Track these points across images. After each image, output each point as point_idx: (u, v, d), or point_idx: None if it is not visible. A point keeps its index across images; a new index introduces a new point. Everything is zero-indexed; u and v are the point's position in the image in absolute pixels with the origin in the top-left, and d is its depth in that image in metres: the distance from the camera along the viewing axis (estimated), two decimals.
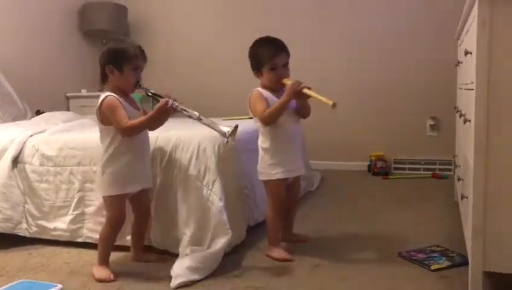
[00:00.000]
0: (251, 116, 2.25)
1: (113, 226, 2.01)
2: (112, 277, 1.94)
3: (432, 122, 4.12)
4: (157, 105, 1.93)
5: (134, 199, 2.10)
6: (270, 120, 2.10)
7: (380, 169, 4.06)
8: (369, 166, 4.19)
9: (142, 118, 1.96)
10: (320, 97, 2.00)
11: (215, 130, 1.96)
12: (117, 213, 2.00)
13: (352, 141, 4.30)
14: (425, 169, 4.09)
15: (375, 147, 4.21)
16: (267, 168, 2.15)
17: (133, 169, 2.00)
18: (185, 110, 1.95)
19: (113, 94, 1.96)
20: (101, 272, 1.96)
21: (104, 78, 2.02)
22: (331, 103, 1.95)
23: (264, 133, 2.17)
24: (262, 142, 2.17)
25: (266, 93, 2.15)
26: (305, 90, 2.03)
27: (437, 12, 4.01)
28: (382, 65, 4.20)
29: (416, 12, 4.08)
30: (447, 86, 3.76)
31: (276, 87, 2.15)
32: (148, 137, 2.10)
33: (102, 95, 1.98)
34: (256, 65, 2.17)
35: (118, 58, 1.97)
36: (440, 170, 4.03)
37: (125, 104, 1.97)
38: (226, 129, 1.94)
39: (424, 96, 4.11)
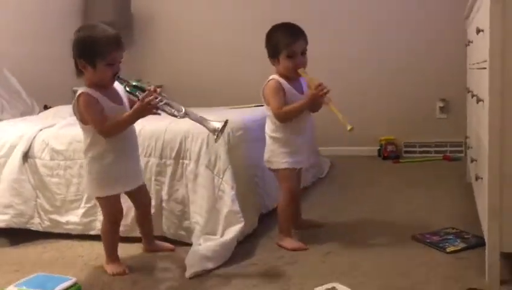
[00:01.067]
0: (260, 104, 2.23)
1: (111, 223, 1.97)
2: (126, 270, 1.93)
3: (441, 104, 4.07)
4: (136, 105, 1.77)
5: (130, 195, 2.06)
6: (285, 119, 2.07)
7: (390, 153, 4.03)
8: (379, 150, 4.16)
9: (120, 118, 1.80)
10: (339, 115, 1.98)
11: (204, 126, 1.84)
12: (111, 211, 1.96)
13: (361, 125, 4.20)
14: (436, 152, 4.05)
15: (385, 131, 4.17)
16: (277, 157, 2.13)
17: (118, 169, 1.89)
18: (168, 106, 1.80)
19: (88, 90, 1.81)
20: (115, 268, 1.94)
21: (79, 72, 1.86)
22: (348, 127, 1.98)
23: (275, 122, 2.12)
24: (273, 131, 2.13)
25: (283, 81, 2.09)
26: (327, 100, 2.00)
27: None
28: (390, 48, 4.14)
29: None
30: (456, 67, 3.71)
31: (292, 76, 2.10)
32: (134, 134, 1.99)
33: (78, 91, 1.83)
34: (273, 52, 2.10)
35: (89, 53, 1.78)
36: (451, 152, 3.99)
37: (103, 100, 1.82)
38: (216, 125, 1.82)
39: (433, 78, 4.05)
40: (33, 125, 2.60)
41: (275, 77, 2.10)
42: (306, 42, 2.10)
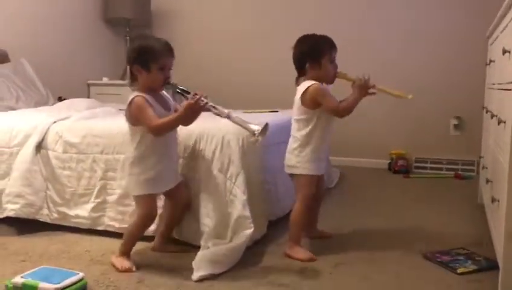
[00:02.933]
0: (274, 109, 2.21)
1: (143, 223, 2.01)
2: (134, 268, 1.94)
3: (455, 122, 4.04)
4: (185, 103, 1.87)
5: (170, 195, 2.09)
6: (346, 114, 2.11)
7: (400, 167, 4.00)
8: (389, 164, 4.13)
9: (170, 117, 1.90)
10: (395, 92, 2.13)
11: (245, 128, 1.92)
12: (147, 211, 1.99)
13: (373, 137, 4.24)
14: (447, 169, 4.02)
15: (397, 145, 4.15)
16: (302, 162, 2.12)
17: (159, 170, 1.96)
18: (214, 107, 1.90)
19: (141, 94, 1.92)
20: (124, 263, 1.95)
21: (133, 78, 1.98)
22: (410, 96, 2.13)
23: (311, 125, 2.11)
24: (305, 135, 2.12)
25: (325, 86, 2.14)
26: (379, 86, 2.09)
27: (465, 10, 3.91)
28: (406, 62, 4.12)
29: (443, 10, 3.99)
30: (473, 85, 3.70)
31: (329, 81, 2.16)
32: (175, 137, 2.08)
33: (131, 96, 1.94)
34: (316, 56, 2.11)
35: (144, 57, 1.92)
36: (462, 170, 3.95)
37: (153, 104, 1.93)
38: (256, 127, 1.89)
39: (449, 95, 4.03)
40: (47, 116, 2.60)
41: (313, 82, 2.11)
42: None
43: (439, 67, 4.03)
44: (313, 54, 2.11)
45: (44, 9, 3.95)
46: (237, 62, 4.62)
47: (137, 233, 2.03)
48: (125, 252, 2.00)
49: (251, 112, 3.17)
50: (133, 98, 1.92)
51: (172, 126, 1.94)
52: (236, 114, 2.97)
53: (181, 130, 2.21)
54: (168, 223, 2.16)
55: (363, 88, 2.09)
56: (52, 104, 3.36)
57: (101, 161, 2.33)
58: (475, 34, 3.53)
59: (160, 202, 2.15)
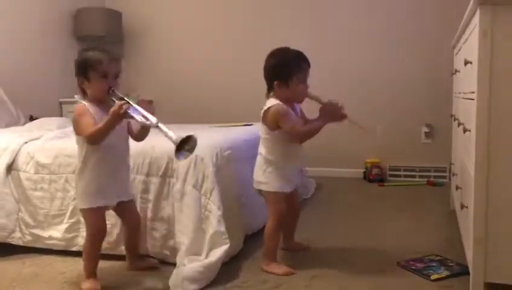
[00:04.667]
0: (249, 122, 2.22)
1: (92, 239, 1.95)
2: (98, 287, 1.90)
3: (426, 130, 4.13)
4: (111, 110, 1.81)
5: (119, 212, 2.07)
6: (305, 139, 2.10)
7: (375, 176, 4.06)
8: (364, 173, 4.19)
9: (99, 124, 1.85)
10: (362, 126, 2.09)
11: (168, 138, 1.75)
12: (94, 226, 1.95)
13: (348, 147, 4.29)
14: (420, 176, 4.09)
15: (371, 153, 4.21)
16: (269, 179, 2.11)
17: (102, 183, 1.93)
18: (143, 117, 1.80)
19: (83, 102, 1.92)
20: (88, 284, 1.91)
21: (83, 92, 1.96)
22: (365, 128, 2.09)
23: (272, 145, 2.11)
24: (268, 153, 2.12)
25: (288, 107, 2.08)
26: (349, 116, 2.05)
27: (432, 20, 4.03)
28: (377, 72, 4.20)
29: (411, 19, 4.10)
30: (442, 93, 3.79)
31: (298, 100, 2.12)
32: (124, 149, 2.03)
33: (76, 104, 1.95)
34: (285, 75, 2.05)
35: (83, 68, 1.91)
36: (435, 177, 4.03)
37: (100, 115, 1.89)
38: (176, 137, 1.73)
39: (419, 103, 4.12)
40: (18, 136, 2.56)
41: (279, 102, 2.06)
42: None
43: (409, 76, 4.12)
44: (281, 72, 2.06)
45: (13, 26, 3.90)
46: (210, 77, 4.64)
47: (91, 250, 1.96)
48: (89, 273, 1.95)
49: (225, 126, 3.19)
50: (77, 105, 1.93)
51: (103, 132, 1.84)
52: (210, 128, 3.01)
53: (154, 149, 2.21)
54: (127, 243, 2.14)
55: (332, 115, 2.05)
56: (24, 124, 3.31)
57: (74, 181, 2.29)
58: (443, 43, 3.62)
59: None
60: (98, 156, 1.91)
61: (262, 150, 2.15)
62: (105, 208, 1.99)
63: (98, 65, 1.89)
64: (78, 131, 1.91)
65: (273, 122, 2.06)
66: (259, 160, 2.17)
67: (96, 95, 1.92)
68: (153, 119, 1.80)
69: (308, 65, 2.12)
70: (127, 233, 2.12)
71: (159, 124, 1.78)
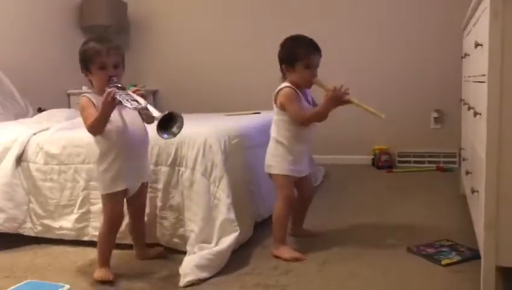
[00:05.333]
0: (257, 111, 2.22)
1: (109, 226, 1.96)
2: (110, 277, 1.91)
3: (436, 115, 4.09)
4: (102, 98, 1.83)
5: (131, 200, 2.06)
6: (308, 123, 2.12)
7: (384, 163, 4.05)
8: (373, 160, 4.17)
9: (97, 115, 1.87)
10: (369, 109, 2.03)
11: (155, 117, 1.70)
12: (111, 213, 1.95)
13: (356, 134, 4.28)
14: (429, 162, 4.07)
15: (379, 140, 4.19)
16: (279, 162, 2.13)
17: (118, 168, 1.93)
18: (130, 98, 1.80)
19: (86, 94, 1.94)
20: (101, 273, 1.92)
21: (91, 83, 1.99)
22: (383, 115, 2.01)
23: (284, 127, 2.13)
24: (278, 135, 2.15)
25: (297, 92, 2.13)
26: (351, 99, 2.04)
27: (440, 4, 3.97)
28: (386, 58, 4.17)
29: (420, 4, 4.05)
30: (451, 78, 3.74)
31: (305, 86, 2.15)
32: (142, 134, 2.01)
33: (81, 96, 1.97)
34: (291, 60, 2.12)
35: (84, 61, 1.93)
36: (444, 162, 4.01)
37: (99, 104, 1.88)
38: (156, 115, 1.68)
39: (428, 88, 4.08)
40: (27, 128, 2.57)
41: (289, 85, 2.12)
42: (320, 58, 2.16)
43: (418, 62, 4.08)
44: (288, 57, 2.13)
45: (19, 19, 3.91)
46: (217, 65, 4.62)
47: (106, 239, 1.97)
48: (102, 262, 1.96)
49: (233, 115, 3.18)
50: (80, 98, 1.95)
51: (99, 121, 1.86)
52: (217, 117, 3.00)
53: (162, 139, 2.20)
54: (133, 233, 2.15)
55: (335, 100, 2.05)
56: (32, 116, 3.33)
57: (83, 171, 2.31)
58: (452, 27, 3.58)
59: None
60: (110, 143, 1.92)
61: (273, 133, 2.18)
62: (125, 193, 1.98)
63: (96, 57, 1.90)
64: (83, 122, 1.93)
65: (281, 104, 2.11)
66: (270, 143, 2.18)
67: (97, 85, 1.94)
68: (142, 102, 1.79)
69: (317, 52, 2.15)
70: (131, 221, 2.12)
71: (148, 106, 1.77)
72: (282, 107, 2.12)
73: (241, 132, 2.44)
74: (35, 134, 2.48)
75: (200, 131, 2.22)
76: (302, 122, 2.11)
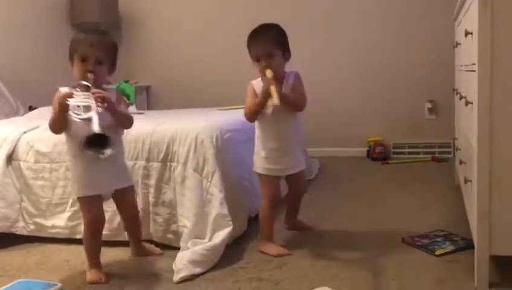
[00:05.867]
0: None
1: (89, 229, 1.91)
2: (102, 279, 1.88)
3: (429, 106, 4.09)
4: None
5: (116, 200, 2.03)
6: (248, 117, 2.07)
7: (379, 154, 4.04)
8: (368, 151, 4.17)
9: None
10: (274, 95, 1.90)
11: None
12: (89, 215, 1.90)
13: (350, 126, 4.27)
14: (424, 153, 4.07)
15: (374, 132, 4.18)
16: (259, 161, 2.11)
17: (93, 172, 1.86)
18: (81, 109, 1.72)
19: (64, 88, 1.85)
20: (92, 275, 1.90)
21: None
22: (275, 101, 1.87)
23: (257, 126, 2.12)
24: (257, 134, 2.13)
25: (258, 87, 2.05)
26: (271, 89, 1.91)
27: None
28: (378, 49, 4.15)
29: None
30: (445, 68, 3.74)
31: (263, 79, 2.03)
32: (117, 139, 1.93)
33: None
34: (251, 56, 2.08)
35: (70, 51, 1.88)
36: (439, 153, 4.01)
37: None
38: (96, 128, 1.64)
39: (421, 79, 4.07)
40: (17, 127, 2.55)
41: (252, 82, 2.10)
42: (267, 45, 2.01)
43: (411, 52, 4.07)
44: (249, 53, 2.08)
45: (9, 16, 3.87)
46: (207, 62, 4.60)
47: (90, 239, 1.92)
48: (91, 263, 1.93)
49: (224, 109, 3.17)
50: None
51: (53, 123, 1.82)
52: (209, 111, 2.99)
53: (153, 133, 2.19)
54: (126, 230, 2.13)
55: (264, 88, 1.97)
56: (23, 114, 3.30)
57: None
58: (444, 16, 3.56)
59: None
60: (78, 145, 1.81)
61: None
62: (100, 197, 1.94)
63: (78, 47, 1.83)
64: None
65: None
66: (255, 142, 2.15)
67: (76, 78, 1.85)
68: (89, 113, 1.69)
69: (258, 43, 2.02)
70: (125, 223, 2.10)
71: (93, 117, 1.67)
72: None
73: (234, 126, 2.43)
74: (25, 132, 2.45)
75: (192, 126, 2.21)
76: (245, 117, 2.07)
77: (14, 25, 3.91)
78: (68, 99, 1.74)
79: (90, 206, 1.90)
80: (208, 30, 4.59)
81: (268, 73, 1.97)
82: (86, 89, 1.79)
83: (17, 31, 3.93)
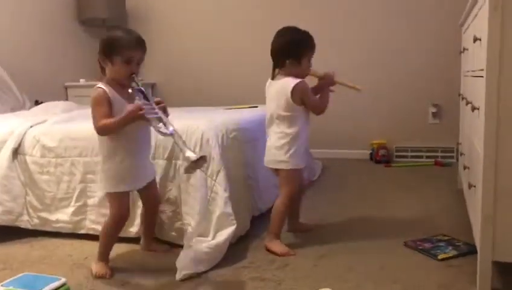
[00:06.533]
0: (254, 105, 2.22)
1: (116, 222, 1.94)
2: (108, 274, 1.90)
3: (434, 110, 4.09)
4: (128, 109, 1.77)
5: (141, 191, 2.06)
6: (323, 112, 2.19)
7: (382, 157, 4.04)
8: (371, 154, 4.17)
9: (113, 119, 1.81)
10: (349, 83, 2.20)
11: (182, 151, 1.75)
12: (118, 210, 1.93)
13: (353, 128, 4.27)
14: (427, 157, 4.07)
15: (377, 134, 4.19)
16: (295, 158, 2.12)
17: (126, 168, 1.90)
18: (159, 121, 1.79)
19: (103, 86, 1.85)
20: (100, 269, 1.91)
21: (102, 70, 1.91)
22: (359, 88, 2.19)
23: (294, 122, 2.11)
24: (290, 131, 2.11)
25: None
26: (338, 80, 2.18)
27: None
28: (384, 53, 4.15)
29: None
30: (449, 73, 3.75)
31: (302, 77, 2.13)
32: (146, 134, 1.98)
33: (95, 86, 1.88)
34: (297, 53, 2.10)
35: (109, 49, 1.85)
36: (442, 157, 4.01)
37: (117, 99, 1.84)
38: (192, 155, 1.70)
39: (426, 83, 4.07)
40: (24, 121, 2.56)
41: (294, 79, 2.09)
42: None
43: (417, 56, 4.07)
44: (294, 50, 2.10)
45: (17, 12, 3.88)
46: (214, 60, 4.60)
47: (111, 234, 1.96)
48: (103, 257, 1.95)
49: (230, 109, 3.18)
50: (94, 89, 1.87)
51: (113, 129, 1.83)
52: (215, 110, 3.00)
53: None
54: (144, 223, 2.15)
55: (331, 83, 2.18)
56: (29, 109, 3.31)
57: (80, 164, 2.30)
58: (450, 22, 3.57)
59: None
60: (120, 142, 1.87)
61: (281, 129, 2.12)
62: (129, 193, 1.98)
63: (124, 49, 1.83)
64: (93, 118, 1.86)
65: (301, 98, 2.10)
66: (279, 139, 2.12)
67: (116, 78, 1.87)
68: (169, 128, 1.77)
69: (315, 45, 2.17)
70: (146, 213, 2.12)
71: (174, 135, 1.76)
72: (301, 102, 2.10)
73: (239, 125, 2.44)
74: (32, 126, 2.46)
75: (198, 124, 2.22)
76: (321, 110, 2.18)
77: (21, 19, 3.92)
78: (142, 110, 1.76)
79: (121, 201, 1.94)
80: (215, 29, 4.59)
81: (314, 71, 2.19)
82: (141, 93, 1.84)
83: (24, 26, 3.94)
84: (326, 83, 2.19)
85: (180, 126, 2.20)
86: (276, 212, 2.15)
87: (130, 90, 1.85)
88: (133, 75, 1.86)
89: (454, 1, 3.75)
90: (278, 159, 2.15)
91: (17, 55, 3.82)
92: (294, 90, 2.07)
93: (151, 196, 2.09)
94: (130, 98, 1.87)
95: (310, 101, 2.12)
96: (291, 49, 2.10)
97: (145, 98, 1.85)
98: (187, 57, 4.70)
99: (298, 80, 2.08)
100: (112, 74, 1.88)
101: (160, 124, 1.80)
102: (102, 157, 1.93)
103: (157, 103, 1.86)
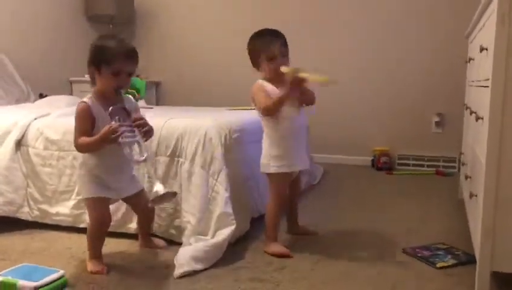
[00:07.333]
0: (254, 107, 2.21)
1: (95, 227, 1.91)
2: (103, 270, 1.88)
3: (437, 119, 4.09)
4: (101, 132, 1.74)
5: (129, 203, 2.06)
6: (268, 113, 2.05)
7: (383, 164, 4.04)
8: (372, 161, 4.17)
9: (89, 139, 1.78)
10: (316, 78, 1.92)
11: (151, 182, 1.76)
12: (95, 216, 1.89)
13: (356, 135, 4.28)
14: (429, 166, 4.07)
15: (380, 142, 4.19)
16: (270, 161, 2.11)
17: (103, 176, 1.88)
18: (134, 145, 1.76)
19: (87, 101, 1.81)
20: (94, 266, 1.90)
21: (92, 79, 1.85)
22: (327, 79, 1.87)
23: (266, 124, 2.12)
24: (266, 133, 2.13)
25: (267, 85, 2.08)
26: (301, 74, 1.94)
27: (445, 7, 3.96)
28: (389, 60, 4.15)
29: (423, 8, 4.03)
30: (454, 82, 3.75)
31: (276, 79, 2.05)
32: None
33: (80, 101, 1.85)
34: (254, 58, 2.11)
35: (97, 58, 1.78)
36: (444, 167, 4.01)
37: (100, 114, 1.80)
38: (160, 189, 1.72)
39: (430, 92, 4.07)
40: (28, 113, 2.57)
41: (259, 80, 2.11)
42: (285, 45, 2.09)
43: (421, 65, 4.07)
44: (252, 58, 2.13)
45: (25, 7, 3.90)
46: (222, 60, 4.61)
47: (97, 236, 1.92)
48: (94, 254, 1.93)
49: (235, 109, 3.18)
50: (79, 102, 1.83)
51: (89, 148, 1.81)
52: (219, 111, 3.00)
53: (162, 128, 2.20)
54: (138, 224, 2.15)
55: (291, 78, 1.96)
56: (34, 101, 3.33)
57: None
58: (455, 33, 3.57)
59: None
60: (100, 156, 1.86)
61: (265, 132, 2.14)
62: (109, 199, 1.95)
63: (113, 60, 1.76)
64: (74, 133, 1.84)
65: (252, 99, 2.09)
66: (263, 143, 2.15)
67: (101, 89, 1.83)
68: (144, 154, 1.73)
69: (276, 41, 2.06)
70: (138, 218, 2.13)
71: (147, 163, 1.75)
72: (253, 102, 2.10)
73: (242, 126, 2.44)
74: (36, 119, 2.47)
75: (201, 123, 2.22)
76: (264, 112, 2.05)
77: (29, 14, 3.94)
78: (116, 133, 1.72)
79: (97, 206, 1.89)
80: (222, 28, 4.60)
81: (284, 69, 1.99)
82: (124, 111, 1.80)
83: (31, 21, 3.96)
84: (287, 81, 1.98)
85: (184, 124, 2.22)
86: (267, 217, 2.15)
87: (110, 109, 1.77)
88: (119, 89, 1.81)
89: (459, 11, 3.75)
90: (262, 162, 2.15)
91: (24, 48, 3.84)
92: (251, 93, 2.10)
93: (139, 206, 2.05)
94: (118, 112, 1.81)
95: (256, 102, 2.07)
96: (251, 59, 2.14)
97: (128, 114, 1.80)
98: (193, 57, 4.71)
99: (255, 82, 2.10)
100: (99, 85, 1.83)
101: (134, 147, 1.75)
102: (80, 161, 1.92)
103: (136, 120, 1.79)
